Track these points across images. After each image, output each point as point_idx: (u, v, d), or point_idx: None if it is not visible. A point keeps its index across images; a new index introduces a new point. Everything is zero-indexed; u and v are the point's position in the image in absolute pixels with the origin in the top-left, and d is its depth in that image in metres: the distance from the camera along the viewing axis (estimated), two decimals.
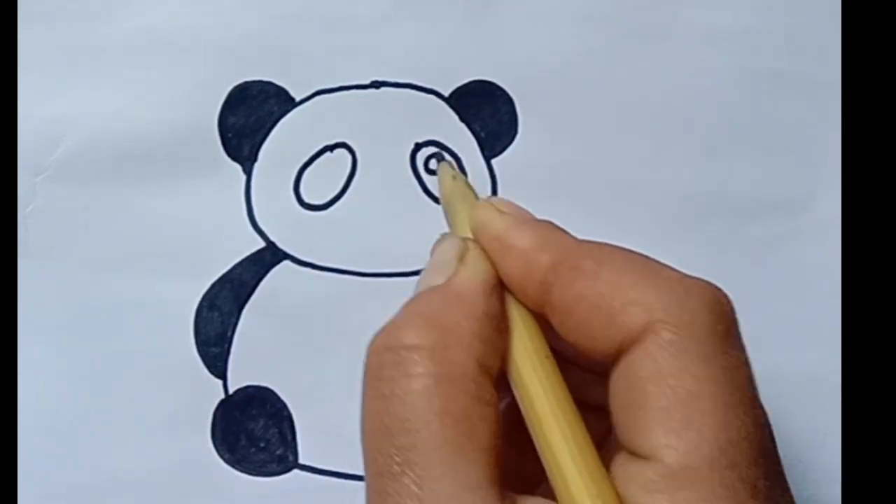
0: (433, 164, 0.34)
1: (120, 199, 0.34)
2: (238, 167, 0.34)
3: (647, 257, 0.27)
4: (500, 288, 0.28)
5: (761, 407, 0.26)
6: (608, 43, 0.35)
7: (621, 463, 0.25)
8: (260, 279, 0.34)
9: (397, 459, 0.25)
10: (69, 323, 0.33)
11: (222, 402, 0.34)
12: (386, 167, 0.34)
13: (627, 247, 0.35)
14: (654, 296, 0.26)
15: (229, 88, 0.34)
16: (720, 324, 0.26)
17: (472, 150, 0.34)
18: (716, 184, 0.35)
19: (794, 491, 0.35)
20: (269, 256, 0.34)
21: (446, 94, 0.34)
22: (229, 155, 0.34)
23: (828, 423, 0.35)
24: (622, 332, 0.26)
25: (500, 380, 0.27)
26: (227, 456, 0.34)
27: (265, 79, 0.34)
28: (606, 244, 0.28)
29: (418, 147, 0.34)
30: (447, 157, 0.34)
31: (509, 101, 0.34)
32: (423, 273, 0.29)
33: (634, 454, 0.25)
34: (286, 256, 0.34)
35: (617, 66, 0.35)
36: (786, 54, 0.35)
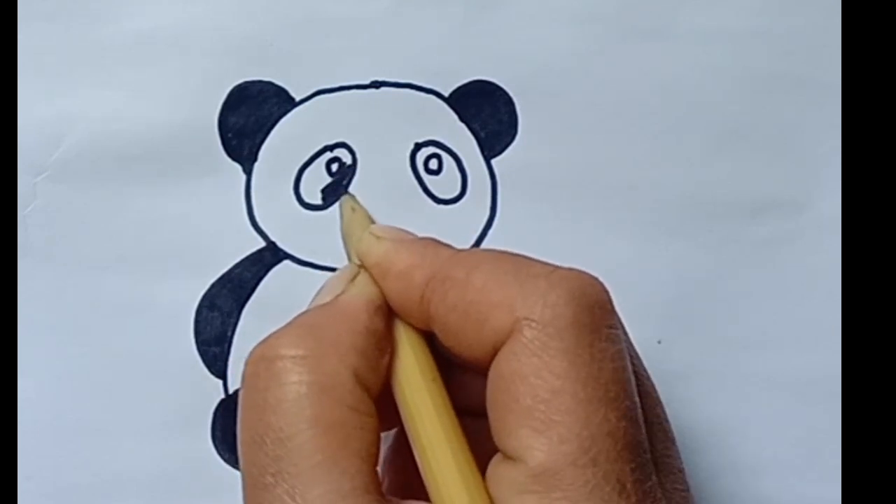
0: (433, 163, 0.34)
1: (120, 199, 0.34)
2: (238, 167, 0.34)
3: (520, 257, 0.27)
4: (388, 310, 0.28)
5: (632, 399, 0.26)
6: (608, 43, 0.35)
7: (495, 465, 0.26)
8: (260, 279, 0.34)
9: (271, 470, 0.25)
10: (69, 323, 0.33)
11: (222, 402, 0.34)
12: (386, 167, 0.34)
13: (627, 247, 0.35)
14: (518, 295, 0.26)
15: (229, 88, 0.34)
16: (585, 315, 0.25)
17: (472, 150, 0.34)
18: (716, 184, 0.35)
19: (794, 491, 0.36)
20: (269, 256, 0.34)
21: (446, 94, 0.34)
22: (229, 155, 0.34)
23: (828, 423, 0.35)
24: (492, 336, 0.26)
25: (386, 401, 0.27)
26: (227, 456, 0.34)
27: (265, 79, 0.34)
28: (482, 250, 0.28)
29: (418, 147, 0.34)
30: (350, 192, 0.34)
31: (509, 101, 0.34)
32: (314, 295, 0.29)
33: (506, 455, 0.25)
34: (286, 256, 0.34)
35: (617, 66, 0.35)
36: (786, 55, 0.35)
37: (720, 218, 0.35)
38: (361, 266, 0.30)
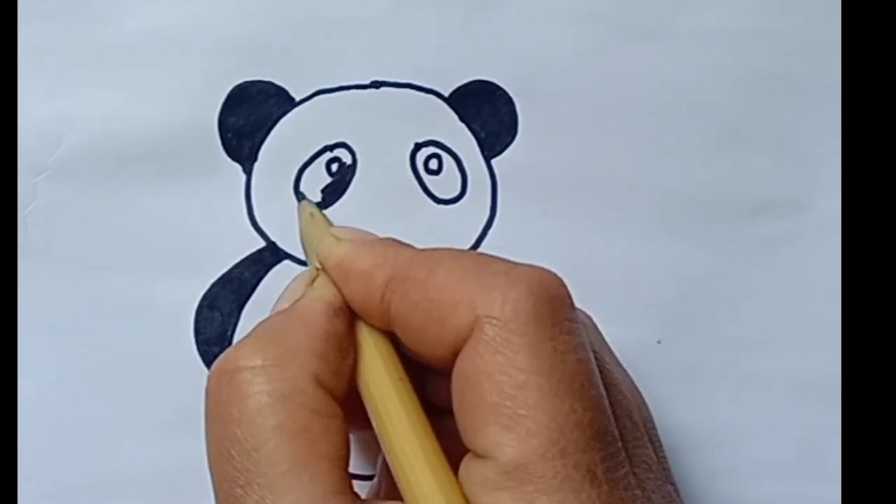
0: (433, 163, 0.34)
1: (120, 199, 0.34)
2: (238, 167, 0.34)
3: (480, 255, 0.27)
4: (349, 312, 0.28)
5: (598, 388, 0.26)
6: (608, 43, 0.35)
7: (466, 464, 0.26)
8: (260, 279, 0.34)
9: (240, 482, 0.25)
10: (69, 323, 0.33)
11: None
12: (386, 167, 0.34)
13: (627, 247, 0.35)
14: (477, 292, 0.26)
15: (229, 88, 0.34)
16: (545, 309, 0.25)
17: (472, 149, 0.34)
18: (716, 184, 0.35)
19: (794, 491, 0.36)
20: (270, 256, 0.34)
21: (446, 94, 0.34)
22: (229, 155, 0.34)
23: (828, 423, 0.35)
24: (453, 334, 0.26)
25: (353, 402, 0.27)
26: None
27: (265, 79, 0.34)
28: (443, 249, 0.28)
29: (418, 147, 0.34)
30: (307, 197, 0.34)
31: (509, 101, 0.34)
32: (274, 303, 0.29)
33: (476, 454, 0.25)
34: (286, 256, 0.34)
35: (617, 66, 0.35)
36: (786, 54, 0.35)
37: (720, 218, 0.35)
38: (320, 269, 0.29)
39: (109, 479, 0.33)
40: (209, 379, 0.27)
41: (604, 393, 0.26)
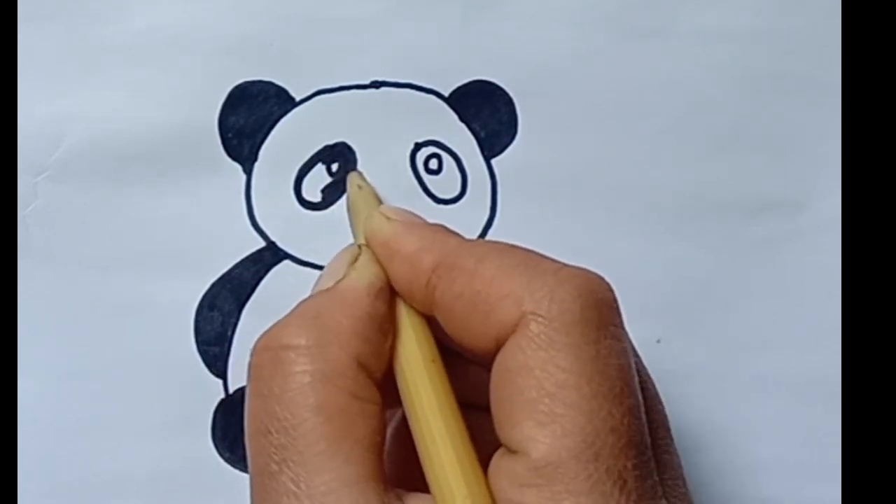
0: (433, 163, 0.34)
1: (120, 199, 0.34)
2: (238, 167, 0.34)
3: (528, 251, 0.27)
4: (390, 292, 0.28)
5: (636, 396, 0.26)
6: (608, 43, 0.35)
7: (498, 458, 0.26)
8: (260, 279, 0.34)
9: (275, 458, 0.26)
10: (69, 323, 0.33)
11: (222, 402, 0.34)
12: (386, 167, 0.34)
13: (626, 246, 0.35)
14: (525, 289, 0.26)
15: (229, 88, 0.34)
16: (592, 312, 0.26)
17: (472, 149, 0.34)
18: (716, 184, 0.35)
19: (794, 491, 0.36)
20: (270, 256, 0.34)
21: (446, 94, 0.34)
22: (229, 155, 0.34)
23: (828, 423, 0.35)
24: (497, 327, 0.26)
25: (391, 382, 0.28)
26: (227, 455, 0.34)
27: (265, 79, 0.34)
28: (490, 242, 0.28)
29: (418, 147, 0.34)
30: (359, 170, 0.34)
31: (509, 102, 0.34)
32: (317, 279, 0.29)
33: (508, 449, 0.25)
34: (286, 256, 0.34)
35: (617, 66, 0.35)
36: (786, 54, 0.35)
37: (720, 218, 0.35)
38: (362, 247, 0.29)
39: (109, 479, 0.33)
40: (252, 354, 0.27)
41: (641, 401, 0.26)
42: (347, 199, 0.33)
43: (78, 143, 0.33)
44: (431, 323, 0.28)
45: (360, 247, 0.30)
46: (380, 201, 0.32)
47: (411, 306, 0.28)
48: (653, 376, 0.29)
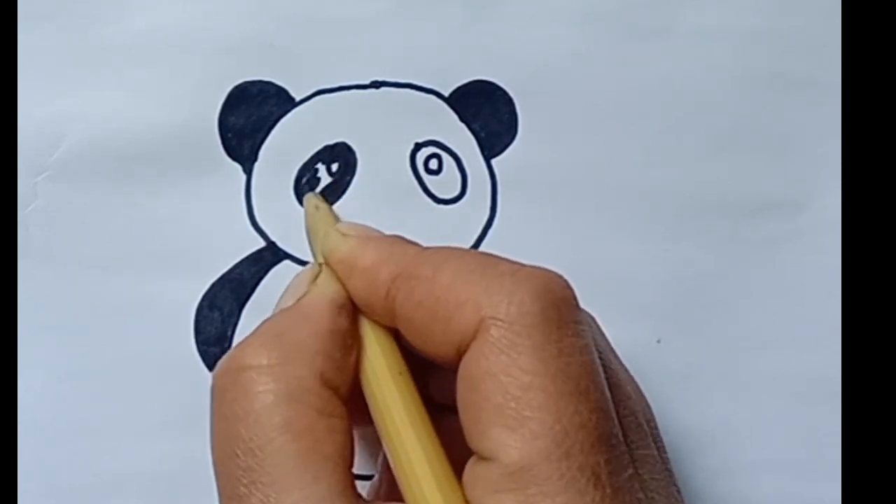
0: (434, 163, 0.34)
1: (120, 199, 0.34)
2: (238, 167, 0.34)
3: (486, 255, 0.27)
4: (352, 308, 0.28)
5: (603, 391, 0.26)
6: (608, 43, 0.35)
7: (471, 465, 0.25)
8: (260, 279, 0.34)
9: (244, 481, 0.25)
10: (69, 323, 0.33)
11: None
12: (386, 167, 0.34)
13: (626, 246, 0.35)
14: (483, 293, 0.26)
15: (229, 88, 0.34)
16: (551, 312, 0.25)
17: (472, 149, 0.34)
18: (716, 184, 0.35)
19: (794, 491, 0.36)
20: (270, 256, 0.34)
21: (446, 94, 0.34)
22: (229, 155, 0.34)
23: (828, 423, 0.35)
24: (458, 334, 0.26)
25: (358, 398, 0.27)
26: None
27: (265, 79, 0.34)
28: (448, 248, 0.28)
29: (418, 147, 0.34)
30: (314, 192, 0.34)
31: (509, 101, 0.34)
32: (278, 300, 0.29)
33: (480, 456, 0.25)
34: (286, 256, 0.34)
35: (617, 66, 0.35)
36: (786, 55, 0.35)
37: (720, 218, 0.35)
38: (322, 265, 0.29)
39: (109, 479, 0.33)
40: (214, 377, 0.27)
41: (608, 395, 0.26)
42: (305, 220, 0.33)
43: (78, 143, 0.33)
44: (397, 335, 0.28)
45: (319, 265, 0.30)
46: (337, 220, 0.32)
47: (373, 320, 0.28)
48: (653, 376, 0.29)
